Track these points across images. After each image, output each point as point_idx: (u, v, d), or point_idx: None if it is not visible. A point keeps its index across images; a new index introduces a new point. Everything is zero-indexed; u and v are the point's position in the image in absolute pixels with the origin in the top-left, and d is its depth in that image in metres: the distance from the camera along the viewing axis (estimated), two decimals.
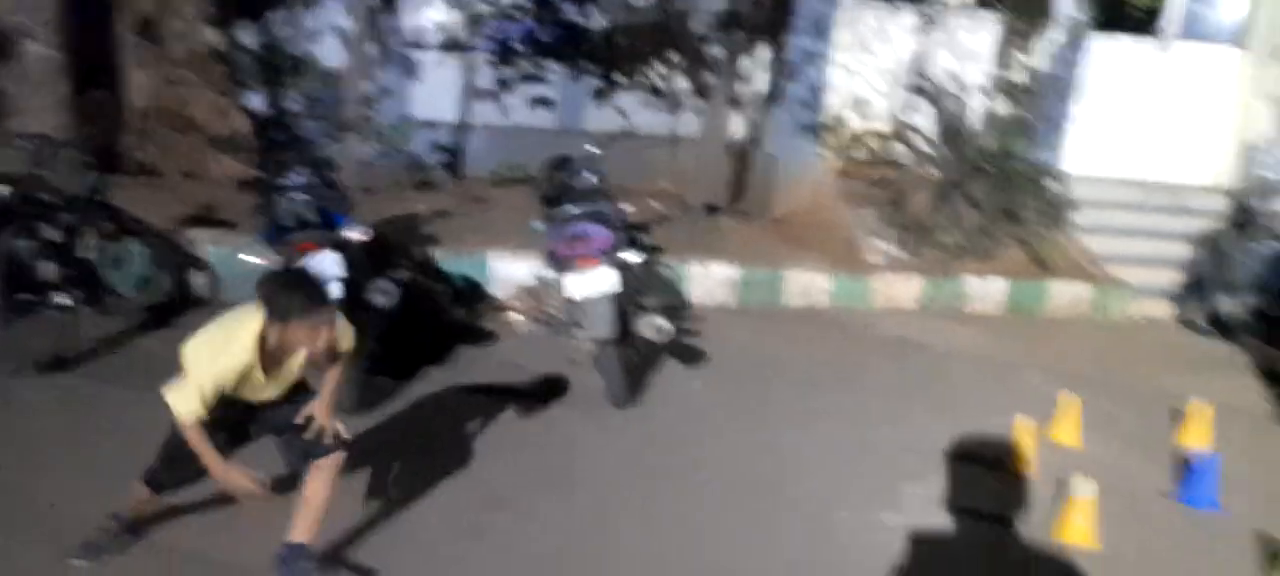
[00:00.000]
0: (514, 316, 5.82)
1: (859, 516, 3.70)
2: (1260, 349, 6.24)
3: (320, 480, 2.93)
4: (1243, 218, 6.54)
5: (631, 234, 5.21)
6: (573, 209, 4.58)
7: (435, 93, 8.21)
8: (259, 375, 2.85)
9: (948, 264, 7.03)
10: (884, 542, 3.50)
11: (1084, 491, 3.54)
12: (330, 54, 7.56)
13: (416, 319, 5.13)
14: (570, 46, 8.30)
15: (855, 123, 8.17)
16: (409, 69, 8.07)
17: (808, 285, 6.77)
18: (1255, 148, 8.58)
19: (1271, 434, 5.08)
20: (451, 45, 8.16)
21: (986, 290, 7.01)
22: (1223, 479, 4.06)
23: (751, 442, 4.37)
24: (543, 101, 8.34)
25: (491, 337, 5.55)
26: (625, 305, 4.49)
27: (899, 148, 7.70)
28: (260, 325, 2.75)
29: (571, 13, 8.27)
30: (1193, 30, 8.78)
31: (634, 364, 4.77)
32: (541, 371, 4.93)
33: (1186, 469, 4.17)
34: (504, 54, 8.24)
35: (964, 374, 5.57)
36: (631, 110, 8.54)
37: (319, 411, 3.00)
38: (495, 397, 4.57)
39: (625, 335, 4.53)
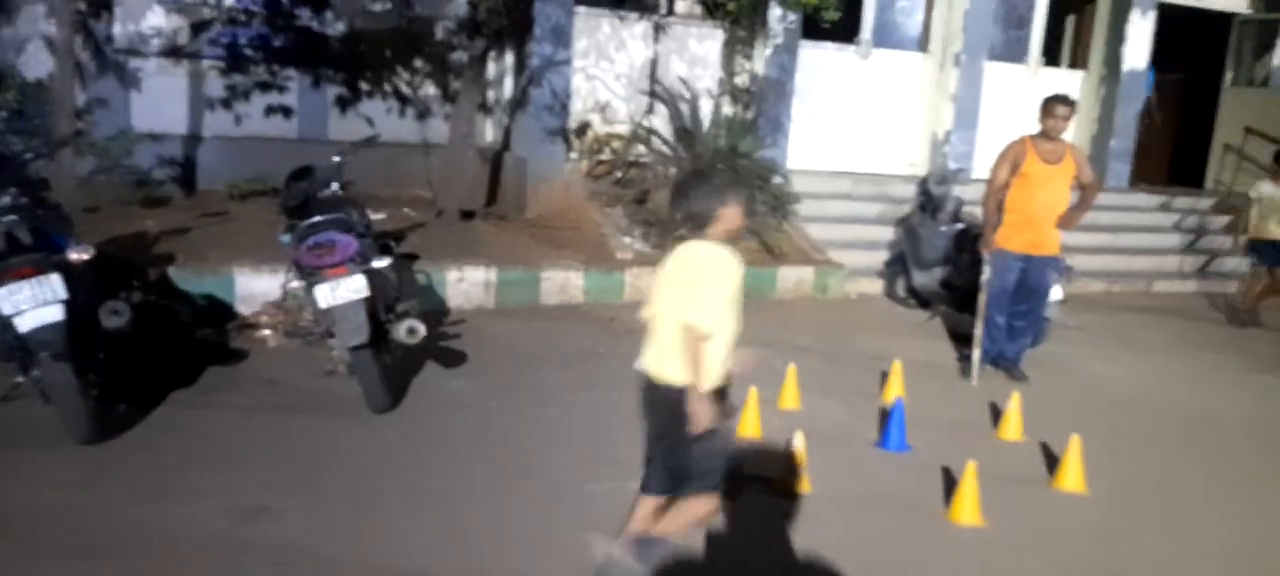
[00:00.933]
0: (264, 332, 5.65)
1: (611, 485, 3.99)
2: (949, 314, 7.29)
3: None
4: (928, 201, 7.58)
5: (382, 241, 5.24)
6: (317, 218, 4.54)
7: (160, 103, 7.72)
8: None
9: None
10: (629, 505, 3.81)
11: (796, 443, 4.06)
12: (37, 64, 6.91)
13: (155, 340, 4.87)
14: (307, 52, 8.08)
15: (599, 126, 8.60)
16: (126, 78, 7.52)
17: (563, 282, 7.06)
18: (940, 140, 9.96)
19: (956, 384, 5.96)
20: (173, 52, 7.69)
21: None
22: (914, 424, 4.76)
23: (509, 429, 4.57)
24: (280, 110, 8.06)
25: (241, 356, 5.35)
26: (377, 311, 4.53)
27: (640, 148, 8.21)
28: None
29: (306, 18, 8.06)
30: (885, 39, 10.03)
31: (391, 369, 4.81)
32: (296, 384, 4.84)
33: (885, 419, 4.86)
34: (234, 61, 7.88)
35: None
36: (379, 118, 8.47)
37: None
38: (246, 412, 4.46)
39: (380, 341, 4.57)
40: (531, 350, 5.89)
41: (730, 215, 2.91)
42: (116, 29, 7.53)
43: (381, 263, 4.51)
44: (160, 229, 6.42)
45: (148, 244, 6.14)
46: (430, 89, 8.71)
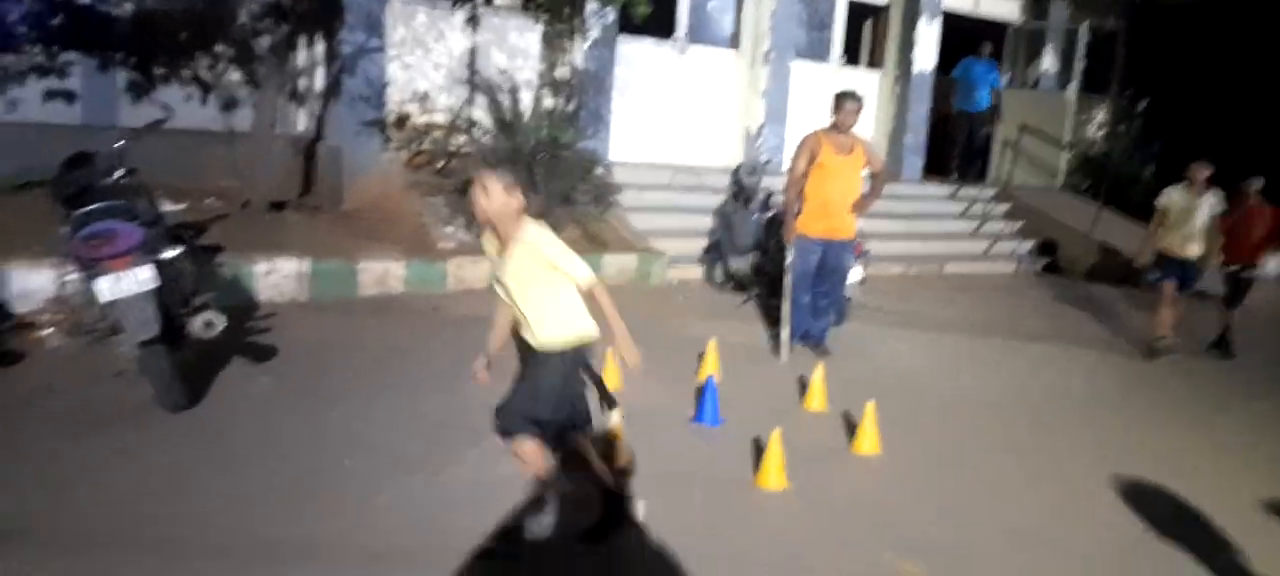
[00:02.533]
0: (43, 332, 5.18)
1: (418, 477, 3.94)
2: (762, 296, 7.66)
3: None
4: (741, 191, 7.94)
5: (176, 231, 4.93)
6: (95, 206, 4.21)
7: None
8: None
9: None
10: (439, 501, 3.78)
11: (614, 421, 4.17)
12: None
13: None
14: (92, 33, 7.45)
15: (418, 116, 8.43)
16: None
17: (382, 274, 6.89)
18: (752, 133, 10.42)
19: (768, 361, 6.28)
20: None
21: None
22: (728, 400, 4.99)
23: (316, 426, 4.40)
24: (62, 95, 7.41)
25: (17, 359, 4.89)
26: (170, 304, 4.26)
27: (460, 139, 8.11)
28: None
29: None
30: (700, 35, 10.40)
31: (190, 366, 4.54)
32: (76, 388, 4.48)
33: (700, 396, 5.06)
34: (5, 41, 7.17)
35: None
36: (178, 105, 7.93)
37: None
38: (10, 422, 4.08)
39: (174, 336, 4.30)
40: (345, 343, 5.71)
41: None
42: None
43: (171, 252, 4.24)
44: None
45: None
46: (235, 75, 8.23)
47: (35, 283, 5.37)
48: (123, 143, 4.74)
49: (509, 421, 3.36)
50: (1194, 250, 7.06)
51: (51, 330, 5.17)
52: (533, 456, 3.38)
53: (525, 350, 3.47)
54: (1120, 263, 10.20)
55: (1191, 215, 7.05)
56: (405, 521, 3.57)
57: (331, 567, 3.22)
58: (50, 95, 7.45)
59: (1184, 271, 7.07)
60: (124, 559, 3.16)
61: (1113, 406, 5.97)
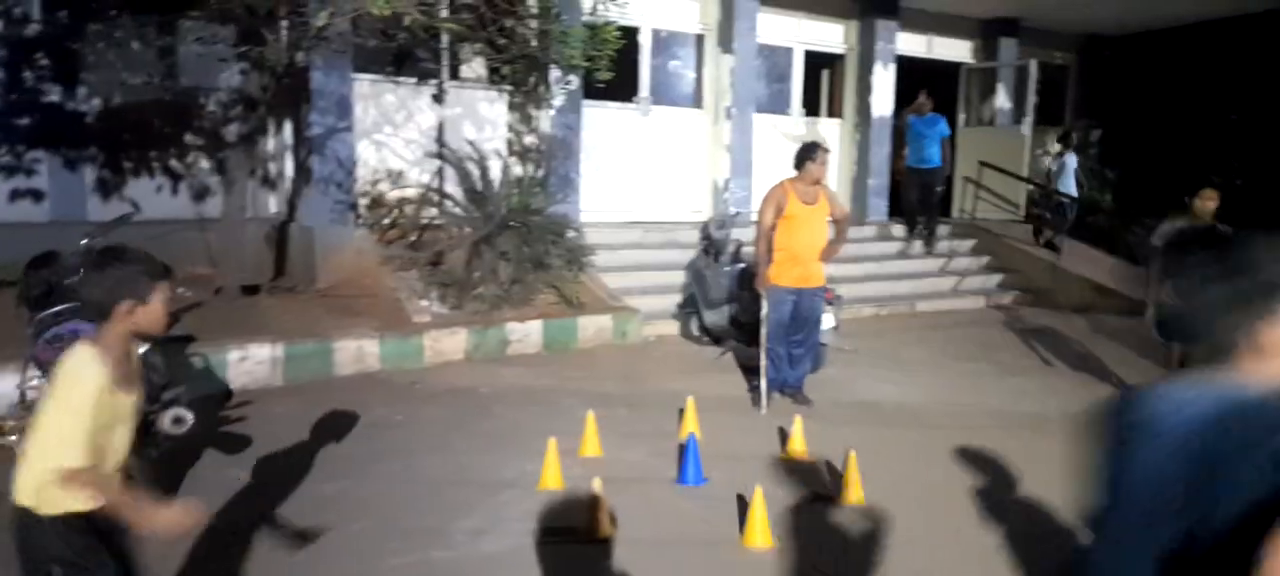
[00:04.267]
0: (10, 438, 5.10)
1: (408, 557, 3.91)
2: (739, 348, 7.70)
3: None
4: (711, 245, 8.02)
5: None
6: (60, 307, 4.19)
7: None
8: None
9: (489, 314, 7.61)
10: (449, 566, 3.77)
11: (596, 489, 4.16)
12: None
13: None
14: (58, 131, 7.48)
15: (390, 192, 8.49)
16: None
17: (357, 352, 6.87)
18: (720, 187, 10.57)
19: (748, 414, 6.29)
20: None
21: (526, 332, 7.70)
22: (709, 457, 4.99)
23: (296, 512, 4.36)
24: (29, 194, 7.40)
25: None
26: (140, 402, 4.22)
27: (432, 211, 8.16)
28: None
29: (55, 94, 7.48)
30: (662, 97, 10.60)
31: (159, 464, 4.49)
32: None
33: (681, 455, 5.06)
34: None
35: (506, 410, 6.10)
36: (147, 196, 7.95)
37: None
38: None
39: (144, 434, 4.26)
40: (323, 425, 5.67)
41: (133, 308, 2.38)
42: None
43: (139, 350, 4.21)
44: None
45: None
46: (204, 164, 8.27)
47: (1, 387, 5.30)
48: (87, 240, 4.74)
49: None
50: None
51: (16, 437, 5.09)
52: None
53: None
54: (1085, 289, 10.40)
55: None
56: None
57: None
58: (17, 194, 7.45)
59: None
60: None
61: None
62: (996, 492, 4.91)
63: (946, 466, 5.30)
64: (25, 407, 4.46)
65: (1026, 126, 12.49)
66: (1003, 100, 13.03)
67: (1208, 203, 6.09)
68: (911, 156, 11.20)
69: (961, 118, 13.09)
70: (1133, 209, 11.90)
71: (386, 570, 3.81)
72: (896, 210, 12.08)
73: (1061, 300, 10.55)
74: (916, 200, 11.24)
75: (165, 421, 4.24)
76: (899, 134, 11.89)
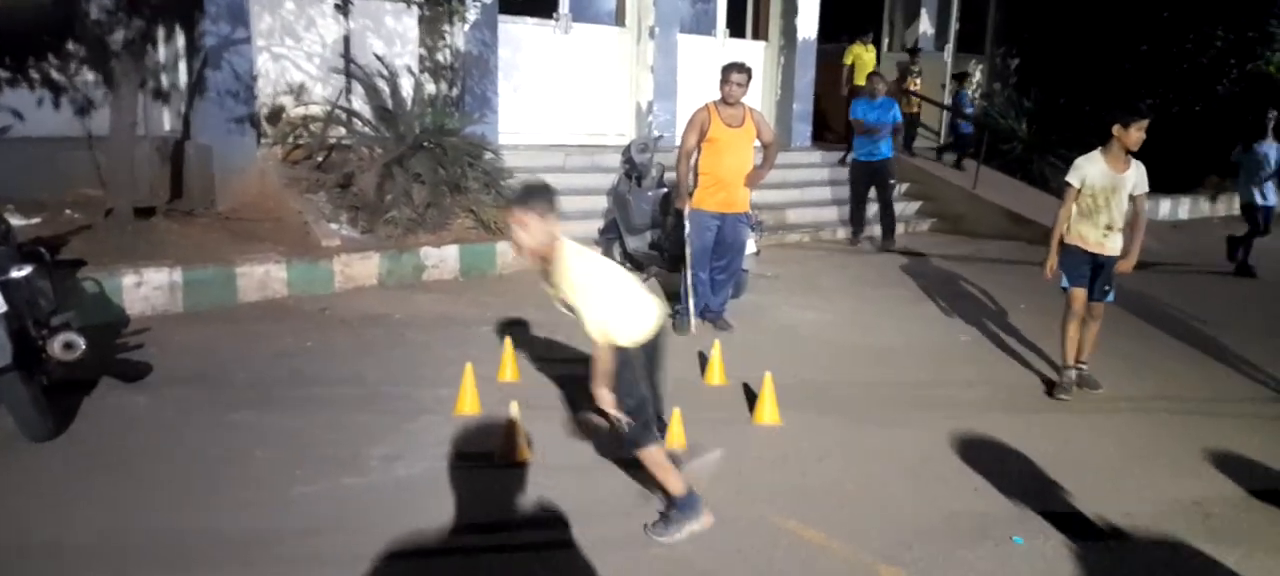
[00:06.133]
0: None
1: (318, 485, 3.78)
2: (661, 274, 7.64)
3: None
4: (633, 169, 7.88)
5: (30, 247, 4.57)
6: None
7: None
8: None
9: (402, 238, 7.37)
10: (345, 503, 3.64)
11: (514, 413, 4.08)
12: None
13: None
14: None
15: (293, 109, 8.07)
16: None
17: (263, 277, 6.58)
18: (643, 110, 10.38)
19: (670, 339, 6.25)
20: None
21: (442, 258, 7.49)
22: None
23: (200, 440, 4.17)
24: None
25: None
26: (25, 327, 3.95)
27: (340, 130, 7.80)
28: None
29: None
30: (583, 14, 10.28)
31: (52, 391, 4.23)
32: None
33: None
34: None
35: (421, 336, 5.94)
36: (28, 109, 7.39)
37: None
38: None
39: (33, 361, 3.99)
40: (228, 353, 5.43)
41: None
42: None
43: (20, 272, 3.93)
44: None
45: None
46: (89, 76, 7.70)
47: None
48: None
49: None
50: (1114, 244, 5.28)
51: None
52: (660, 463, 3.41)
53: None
54: (1000, 217, 10.66)
55: (1113, 196, 5.18)
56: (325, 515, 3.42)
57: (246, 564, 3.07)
58: None
59: (1098, 272, 5.32)
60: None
61: (1001, 349, 6.20)
62: (899, 409, 5.00)
63: (860, 384, 5.39)
64: None
65: (948, 53, 12.61)
66: (926, 25, 13.09)
67: (1130, 135, 5.03)
68: (860, 149, 9.80)
69: (886, 43, 13.11)
70: (1049, 138, 12.17)
71: (296, 498, 3.66)
72: (819, 135, 12.11)
73: (977, 228, 10.79)
74: (862, 197, 9.91)
75: (56, 347, 3.97)
76: (829, 71, 11.79)
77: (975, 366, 5.90)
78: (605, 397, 3.28)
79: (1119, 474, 4.26)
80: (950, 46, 12.68)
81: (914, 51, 12.47)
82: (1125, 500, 3.92)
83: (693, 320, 6.25)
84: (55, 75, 7.58)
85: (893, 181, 10.14)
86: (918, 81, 12.20)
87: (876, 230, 9.99)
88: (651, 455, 3.40)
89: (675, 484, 3.40)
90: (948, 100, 13.02)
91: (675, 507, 3.42)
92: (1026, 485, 4.04)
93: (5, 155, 7.13)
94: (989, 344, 6.43)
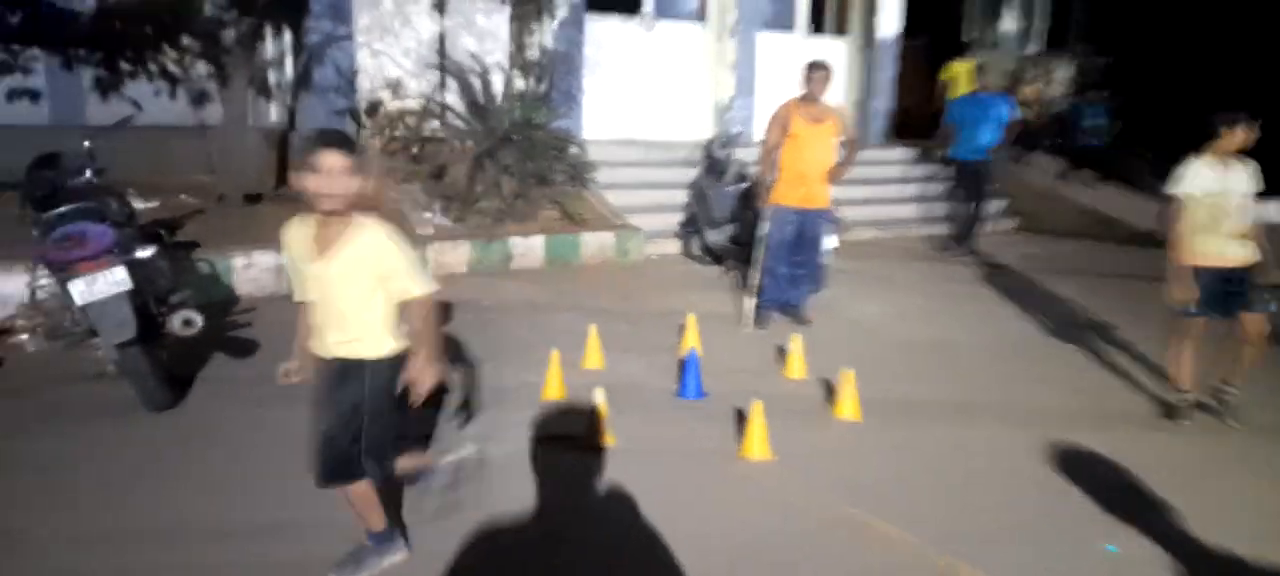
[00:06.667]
0: (20, 337, 5.16)
1: (414, 464, 3.98)
2: (739, 267, 7.73)
3: None
4: (713, 164, 7.99)
5: (150, 229, 4.93)
6: (65, 209, 4.19)
7: None
8: None
9: (491, 227, 7.62)
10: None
11: (598, 400, 4.23)
12: None
13: None
14: (53, 30, 7.35)
15: (391, 102, 8.40)
16: None
17: None
18: (722, 106, 10.46)
19: (748, 332, 6.36)
20: None
21: (529, 247, 7.72)
22: (709, 372, 5.06)
23: (300, 418, 4.40)
24: (26, 94, 7.31)
25: None
26: (146, 304, 4.27)
27: (434, 123, 8.10)
28: None
29: None
30: (666, 11, 10.40)
31: (170, 365, 4.55)
32: (59, 391, 4.48)
33: (682, 370, 5.13)
34: None
35: (509, 322, 6.15)
36: (147, 100, 7.87)
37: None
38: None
39: (153, 335, 4.31)
40: None
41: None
42: None
43: (145, 252, 4.24)
44: None
45: None
46: (202, 69, 8.16)
47: (8, 288, 5.32)
48: (89, 142, 4.72)
49: (376, 465, 3.04)
50: (1241, 253, 4.72)
51: (27, 336, 5.14)
52: (367, 502, 3.12)
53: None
54: (1087, 219, 10.41)
55: (1226, 200, 4.65)
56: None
57: (347, 539, 3.27)
58: (14, 95, 7.36)
59: (1228, 291, 4.71)
60: (120, 549, 3.20)
61: (1085, 349, 6.09)
62: (988, 406, 4.99)
63: (941, 383, 5.39)
64: (35, 306, 4.50)
65: (1033, 50, 12.31)
66: (1010, 23, 12.82)
67: (1234, 136, 4.61)
68: (963, 146, 9.05)
69: (965, 40, 12.89)
70: (1136, 139, 11.78)
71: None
72: (902, 133, 11.99)
73: (1058, 227, 10.54)
74: (967, 198, 9.25)
75: (176, 323, 4.27)
76: (913, 68, 11.54)
77: (1066, 373, 5.77)
78: (443, 369, 3.04)
79: (1236, 501, 3.99)
80: (1035, 45, 12.37)
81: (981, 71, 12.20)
82: (1241, 528, 3.63)
83: (753, 315, 6.31)
84: (171, 68, 8.05)
85: (994, 187, 9.58)
86: (1036, 87, 11.92)
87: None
88: (361, 490, 3.09)
89: (377, 519, 3.17)
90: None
91: (371, 541, 3.17)
92: (1124, 498, 3.88)
93: (126, 142, 7.61)
94: (1080, 351, 6.30)
